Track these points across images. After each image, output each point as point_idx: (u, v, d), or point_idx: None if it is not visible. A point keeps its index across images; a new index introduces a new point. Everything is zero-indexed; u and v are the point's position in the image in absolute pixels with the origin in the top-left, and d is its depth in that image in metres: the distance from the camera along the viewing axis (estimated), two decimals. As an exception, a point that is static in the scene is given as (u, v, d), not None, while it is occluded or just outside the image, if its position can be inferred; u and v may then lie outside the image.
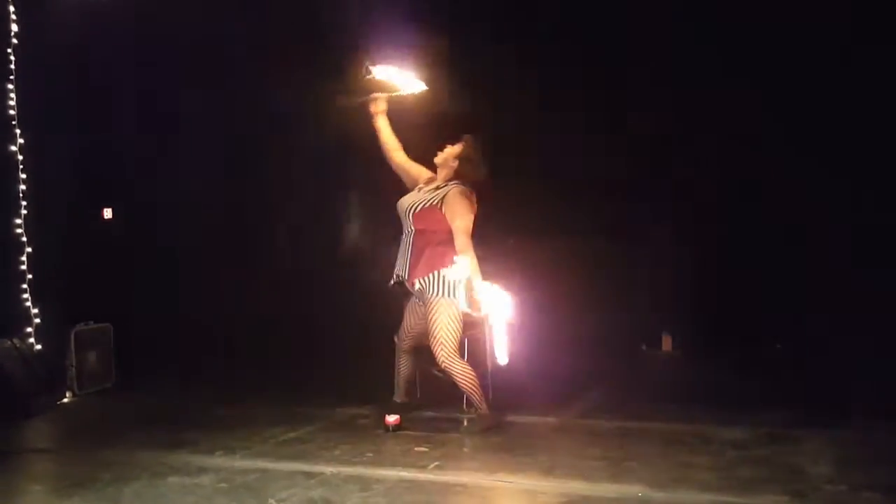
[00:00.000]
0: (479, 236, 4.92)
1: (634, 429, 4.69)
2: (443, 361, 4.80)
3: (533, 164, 7.22)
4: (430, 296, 4.76)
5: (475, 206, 4.83)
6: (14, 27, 6.14)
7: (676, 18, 6.75)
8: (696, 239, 7.05)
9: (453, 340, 4.77)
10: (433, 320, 4.76)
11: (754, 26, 6.49)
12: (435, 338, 4.77)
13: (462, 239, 4.68)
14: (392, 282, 4.95)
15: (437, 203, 4.78)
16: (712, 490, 3.56)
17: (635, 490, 3.60)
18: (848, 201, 6.49)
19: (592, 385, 5.96)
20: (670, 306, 7.21)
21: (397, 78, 4.93)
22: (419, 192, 4.94)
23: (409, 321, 5.06)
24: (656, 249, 7.34)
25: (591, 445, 4.35)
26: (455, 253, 4.69)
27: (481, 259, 4.75)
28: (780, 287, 6.65)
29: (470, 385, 4.82)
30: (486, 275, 5.18)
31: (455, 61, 6.29)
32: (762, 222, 6.85)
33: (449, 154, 4.91)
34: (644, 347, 7.38)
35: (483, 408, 4.84)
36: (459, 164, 4.87)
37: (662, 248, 7.32)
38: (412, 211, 4.82)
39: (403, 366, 5.17)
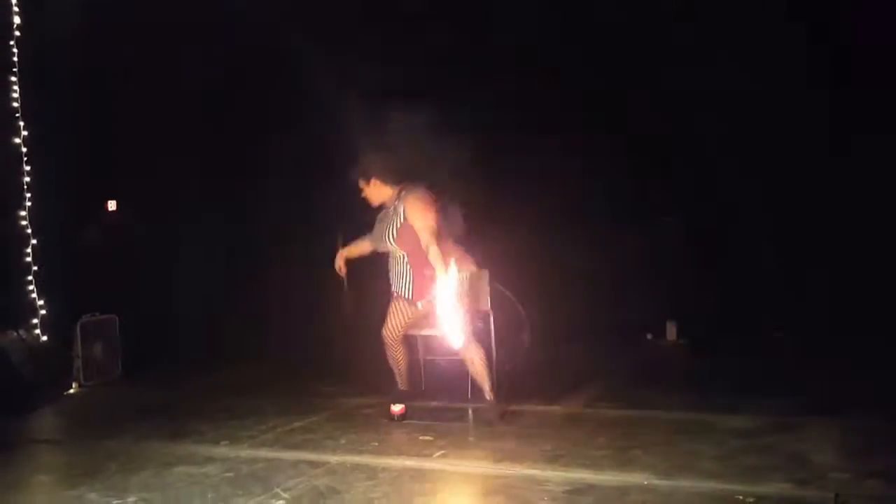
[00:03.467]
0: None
1: (639, 417, 4.70)
2: (460, 350, 4.79)
3: (534, 159, 7.24)
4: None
5: (433, 202, 4.80)
6: (16, 19, 6.13)
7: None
8: (701, 228, 7.04)
9: (466, 330, 4.78)
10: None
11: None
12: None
13: (425, 236, 4.68)
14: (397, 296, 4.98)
15: (402, 219, 4.78)
16: (717, 478, 3.56)
17: (640, 478, 3.60)
18: (851, 189, 6.48)
19: (597, 374, 5.97)
20: (675, 296, 7.20)
21: None
22: (383, 219, 4.93)
23: (398, 321, 4.99)
24: (661, 239, 7.34)
25: (596, 434, 4.36)
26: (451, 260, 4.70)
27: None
28: (783, 275, 6.65)
29: (483, 371, 4.80)
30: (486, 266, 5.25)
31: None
32: (765, 212, 6.85)
33: (369, 194, 4.93)
34: (649, 336, 7.38)
35: (489, 394, 4.83)
36: (381, 185, 4.88)
37: (667, 238, 7.31)
38: (390, 237, 4.83)
39: (402, 355, 5.12)
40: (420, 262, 4.77)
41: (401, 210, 4.78)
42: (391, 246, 4.85)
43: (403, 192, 4.82)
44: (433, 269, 4.66)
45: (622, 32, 6.93)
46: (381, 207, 4.99)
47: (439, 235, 4.70)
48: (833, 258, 6.50)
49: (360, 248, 5.13)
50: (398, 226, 4.79)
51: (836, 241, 6.49)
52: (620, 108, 6.96)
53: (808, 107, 6.44)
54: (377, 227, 4.96)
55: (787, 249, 6.75)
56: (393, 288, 4.95)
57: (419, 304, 4.84)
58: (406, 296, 4.87)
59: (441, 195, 4.87)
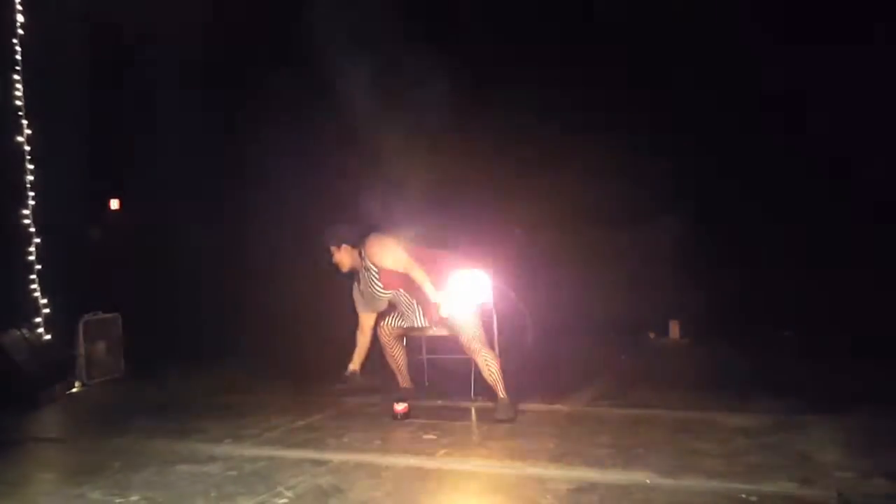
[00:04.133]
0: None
1: (643, 416, 4.69)
2: (476, 351, 4.86)
3: (539, 157, 7.24)
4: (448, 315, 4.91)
5: (389, 239, 4.97)
6: (20, 17, 6.13)
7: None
8: (704, 227, 7.04)
9: (478, 332, 4.88)
10: (459, 326, 4.89)
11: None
12: (466, 336, 4.87)
13: (403, 267, 4.90)
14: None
15: (375, 270, 4.98)
16: (720, 477, 3.55)
17: (644, 477, 3.60)
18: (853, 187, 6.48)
19: (601, 373, 5.96)
20: (678, 294, 7.19)
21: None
22: (362, 278, 5.09)
23: (395, 320, 5.20)
24: (665, 238, 7.33)
25: (600, 433, 4.36)
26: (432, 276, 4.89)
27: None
28: (788, 274, 6.64)
29: (496, 373, 4.84)
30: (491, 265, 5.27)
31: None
32: (768, 212, 6.84)
33: (340, 260, 5.07)
34: (652, 335, 7.37)
35: (506, 396, 4.85)
36: (350, 249, 5.04)
37: (671, 237, 7.31)
38: (377, 289, 5.01)
39: (398, 353, 5.28)
40: (416, 288, 4.95)
41: (368, 263, 5.00)
42: (384, 294, 5.05)
43: (362, 249, 5.03)
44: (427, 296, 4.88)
45: (625, 32, 6.94)
46: (350, 273, 5.13)
47: (417, 259, 4.90)
48: (835, 258, 6.49)
49: (365, 334, 5.18)
50: (376, 276, 5.00)
51: (838, 241, 6.48)
52: (621, 109, 6.96)
53: (810, 106, 6.44)
54: (365, 296, 5.11)
55: (789, 249, 6.74)
56: (406, 325, 5.16)
57: (434, 328, 5.10)
58: (421, 324, 5.11)
59: (401, 225, 5.05)
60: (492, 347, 5.03)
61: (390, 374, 5.32)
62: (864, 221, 6.49)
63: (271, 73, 7.39)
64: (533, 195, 7.36)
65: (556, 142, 7.25)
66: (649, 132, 7.05)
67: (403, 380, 5.24)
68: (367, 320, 5.15)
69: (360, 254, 5.03)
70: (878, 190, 6.38)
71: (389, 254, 4.93)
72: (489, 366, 4.82)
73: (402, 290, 5.02)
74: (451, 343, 5.36)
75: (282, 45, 7.33)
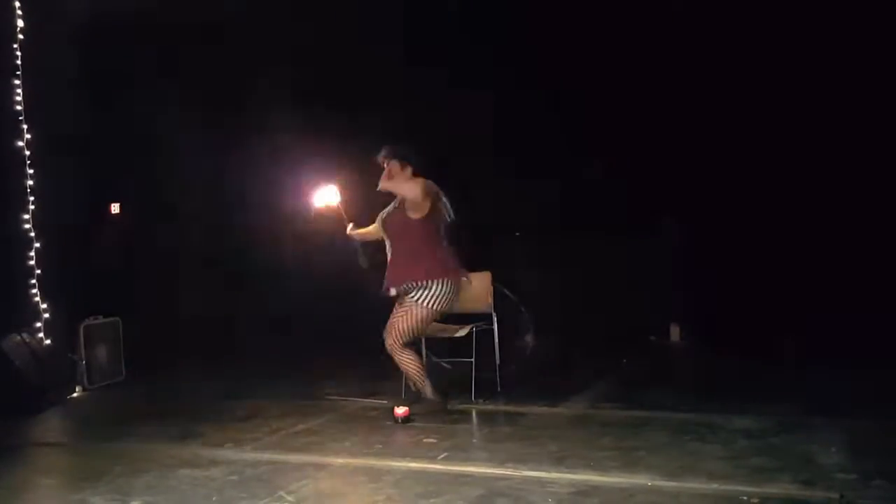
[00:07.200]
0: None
1: (644, 418, 4.68)
2: (389, 345, 4.93)
3: (538, 158, 7.24)
4: (407, 298, 4.92)
5: (428, 187, 4.90)
6: (20, 23, 6.14)
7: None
8: (705, 229, 7.03)
9: (408, 335, 4.91)
10: (400, 315, 4.90)
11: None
12: (392, 325, 4.91)
13: (400, 188, 4.92)
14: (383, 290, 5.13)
15: (398, 205, 5.00)
16: (722, 479, 3.55)
17: (645, 479, 3.59)
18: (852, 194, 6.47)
19: (602, 375, 5.96)
20: (678, 297, 7.18)
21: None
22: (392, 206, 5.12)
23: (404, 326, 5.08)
24: (665, 240, 7.32)
25: (601, 435, 4.35)
26: (427, 259, 4.87)
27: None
28: (790, 277, 6.63)
29: (414, 371, 4.96)
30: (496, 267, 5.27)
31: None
32: (770, 214, 6.83)
33: (396, 184, 5.03)
34: (653, 338, 7.36)
35: (426, 392, 4.96)
36: (397, 178, 5.01)
37: (671, 239, 7.30)
38: (379, 218, 5.08)
39: (413, 357, 5.13)
40: (400, 250, 4.95)
41: (401, 199, 4.97)
42: (381, 229, 5.06)
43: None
44: (408, 263, 4.88)
45: (625, 33, 6.93)
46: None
47: (417, 207, 4.86)
48: (836, 260, 6.48)
49: (368, 229, 5.26)
50: (392, 211, 5.02)
51: (839, 243, 6.47)
52: (620, 110, 6.95)
53: (807, 106, 6.43)
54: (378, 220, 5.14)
55: (790, 252, 6.73)
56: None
57: (392, 291, 4.98)
58: (384, 283, 5.02)
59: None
60: (492, 349, 5.07)
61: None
62: (865, 222, 6.47)
63: (275, 75, 7.38)
64: (533, 199, 7.36)
65: (556, 144, 7.24)
66: (649, 134, 7.04)
67: (425, 386, 5.08)
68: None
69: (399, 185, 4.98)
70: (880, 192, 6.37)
71: (414, 185, 4.86)
72: (405, 365, 4.93)
73: (391, 242, 5.00)
74: (452, 345, 5.38)
75: (284, 44, 7.33)
